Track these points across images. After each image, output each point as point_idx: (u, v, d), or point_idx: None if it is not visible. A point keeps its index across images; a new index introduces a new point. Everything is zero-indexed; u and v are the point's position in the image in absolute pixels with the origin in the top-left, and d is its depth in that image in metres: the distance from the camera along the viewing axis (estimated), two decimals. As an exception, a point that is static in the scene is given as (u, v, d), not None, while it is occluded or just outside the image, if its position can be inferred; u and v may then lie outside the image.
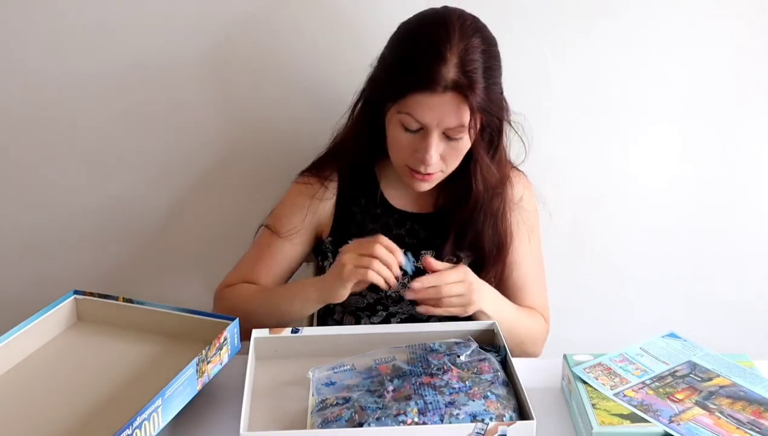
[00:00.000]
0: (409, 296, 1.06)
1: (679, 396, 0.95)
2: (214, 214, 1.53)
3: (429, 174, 1.12)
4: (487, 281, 1.15)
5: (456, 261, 1.22)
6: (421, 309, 1.08)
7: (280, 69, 1.41)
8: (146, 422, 0.84)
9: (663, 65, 1.43)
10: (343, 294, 1.08)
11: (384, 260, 1.04)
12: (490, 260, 1.20)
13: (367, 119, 1.17)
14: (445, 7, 1.11)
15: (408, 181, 1.16)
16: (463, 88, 1.04)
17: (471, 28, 1.07)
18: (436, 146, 1.08)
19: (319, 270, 1.30)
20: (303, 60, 1.41)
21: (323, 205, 1.24)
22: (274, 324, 1.09)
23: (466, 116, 1.06)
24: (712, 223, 1.55)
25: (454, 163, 1.14)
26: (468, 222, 1.19)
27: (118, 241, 1.54)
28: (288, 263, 1.25)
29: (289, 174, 1.29)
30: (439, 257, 1.21)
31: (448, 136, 1.09)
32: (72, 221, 1.52)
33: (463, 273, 1.08)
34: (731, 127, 1.48)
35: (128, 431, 0.81)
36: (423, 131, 1.08)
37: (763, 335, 1.61)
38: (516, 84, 1.16)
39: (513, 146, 1.22)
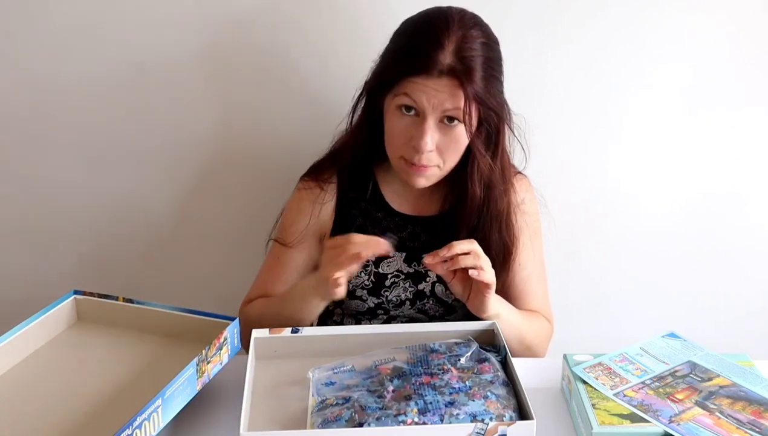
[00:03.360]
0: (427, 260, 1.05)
1: (679, 396, 0.95)
2: (214, 214, 1.53)
3: (425, 166, 1.11)
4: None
5: None
6: (443, 252, 1.04)
7: (282, 70, 1.41)
8: (146, 422, 0.84)
9: (664, 65, 1.43)
10: (336, 292, 1.07)
11: (358, 242, 1.03)
12: (496, 266, 1.20)
13: (367, 116, 1.17)
14: (449, 6, 1.12)
15: (404, 176, 1.15)
16: (458, 73, 1.04)
17: (471, 21, 1.08)
18: (431, 133, 1.08)
19: None
20: (305, 61, 1.41)
21: (324, 208, 1.24)
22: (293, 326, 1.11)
23: (460, 101, 1.06)
24: (712, 223, 1.55)
25: (451, 158, 1.12)
26: (475, 227, 1.19)
27: (119, 241, 1.54)
28: (300, 270, 1.25)
29: (289, 173, 1.29)
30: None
31: (443, 123, 1.08)
32: (72, 221, 1.52)
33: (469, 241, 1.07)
34: (733, 127, 1.48)
35: (128, 431, 0.81)
36: (419, 118, 1.08)
37: (763, 335, 1.61)
38: (514, 86, 1.16)
39: (516, 153, 1.22)
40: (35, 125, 1.45)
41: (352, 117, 1.20)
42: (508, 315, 1.14)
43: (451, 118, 1.08)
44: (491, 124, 1.12)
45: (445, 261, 1.05)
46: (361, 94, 1.18)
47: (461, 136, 1.10)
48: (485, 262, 1.06)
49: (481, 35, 1.08)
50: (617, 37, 1.41)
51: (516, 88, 1.16)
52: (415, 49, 1.06)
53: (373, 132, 1.16)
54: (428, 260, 1.05)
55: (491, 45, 1.09)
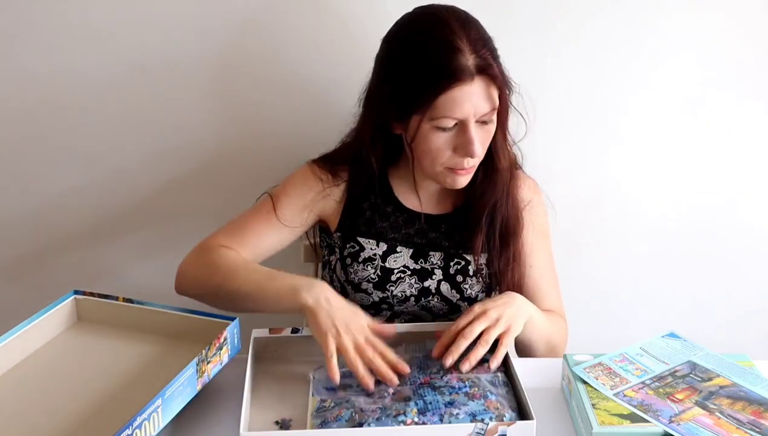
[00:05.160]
0: (446, 362, 1.01)
1: (679, 396, 0.95)
2: (214, 214, 1.52)
3: (472, 166, 1.12)
4: (508, 278, 1.19)
5: (465, 264, 1.21)
6: (465, 367, 1.00)
7: (279, 70, 1.41)
8: (146, 422, 0.84)
9: (664, 65, 1.43)
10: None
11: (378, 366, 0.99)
12: (509, 239, 1.20)
13: (378, 134, 1.17)
14: (428, 7, 1.11)
15: (449, 181, 1.14)
16: (486, 69, 1.05)
17: (462, 13, 1.09)
18: (477, 136, 1.08)
19: (325, 264, 1.30)
20: (301, 61, 1.41)
21: (331, 199, 1.23)
22: (237, 301, 1.11)
23: (496, 97, 1.08)
24: (712, 223, 1.55)
25: (485, 148, 1.13)
26: (495, 205, 1.19)
27: (118, 240, 1.54)
28: (275, 244, 1.23)
29: (288, 174, 1.29)
30: (450, 256, 1.21)
31: (481, 121, 1.09)
32: (71, 221, 1.52)
33: (471, 311, 1.05)
34: (732, 127, 1.48)
35: (128, 431, 0.81)
36: (459, 126, 1.08)
37: (763, 335, 1.61)
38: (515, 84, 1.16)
39: (519, 130, 1.22)
40: (34, 125, 1.45)
41: (360, 130, 1.20)
42: (538, 317, 1.13)
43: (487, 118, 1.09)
44: (508, 100, 1.14)
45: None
46: (366, 118, 1.17)
47: (493, 126, 1.12)
48: (504, 321, 1.04)
49: (474, 21, 1.09)
50: (617, 37, 1.41)
51: (516, 87, 1.16)
52: (436, 65, 1.05)
53: (386, 143, 1.17)
54: (447, 362, 1.00)
55: (480, 25, 1.10)
